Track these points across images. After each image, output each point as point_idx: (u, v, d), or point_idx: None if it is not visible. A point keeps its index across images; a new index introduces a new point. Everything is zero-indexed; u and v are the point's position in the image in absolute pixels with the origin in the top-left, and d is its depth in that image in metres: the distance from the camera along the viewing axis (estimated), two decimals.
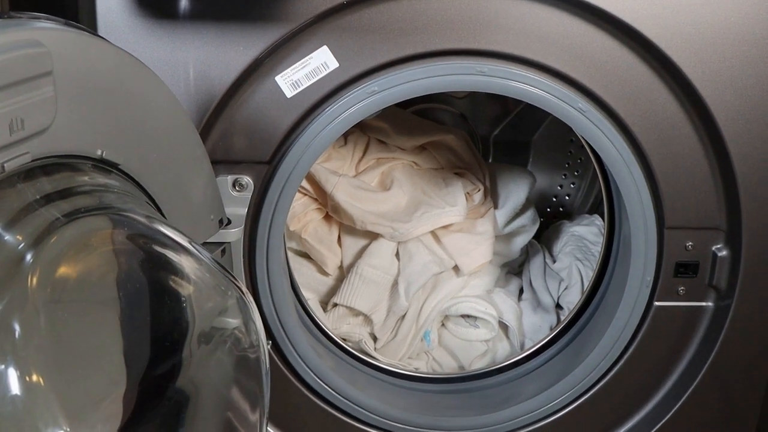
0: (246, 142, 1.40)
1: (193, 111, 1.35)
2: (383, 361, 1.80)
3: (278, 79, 1.37)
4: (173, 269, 1.01)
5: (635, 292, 1.52)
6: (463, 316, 1.94)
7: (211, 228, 1.32)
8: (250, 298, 1.08)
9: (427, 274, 1.86)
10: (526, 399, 1.64)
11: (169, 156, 1.17)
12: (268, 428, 1.58)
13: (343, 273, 1.91)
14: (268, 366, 1.10)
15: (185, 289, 1.02)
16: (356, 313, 1.86)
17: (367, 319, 1.86)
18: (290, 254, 1.84)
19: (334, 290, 1.89)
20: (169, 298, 1.01)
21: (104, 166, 1.02)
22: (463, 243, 1.92)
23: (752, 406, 1.62)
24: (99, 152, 0.99)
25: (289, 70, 1.36)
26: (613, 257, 1.67)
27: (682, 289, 1.53)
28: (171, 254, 1.01)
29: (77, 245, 0.90)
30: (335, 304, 1.86)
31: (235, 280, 1.07)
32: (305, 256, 1.93)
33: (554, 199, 2.32)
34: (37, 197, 0.89)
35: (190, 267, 1.02)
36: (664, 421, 1.61)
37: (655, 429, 1.62)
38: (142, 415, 0.94)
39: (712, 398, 1.60)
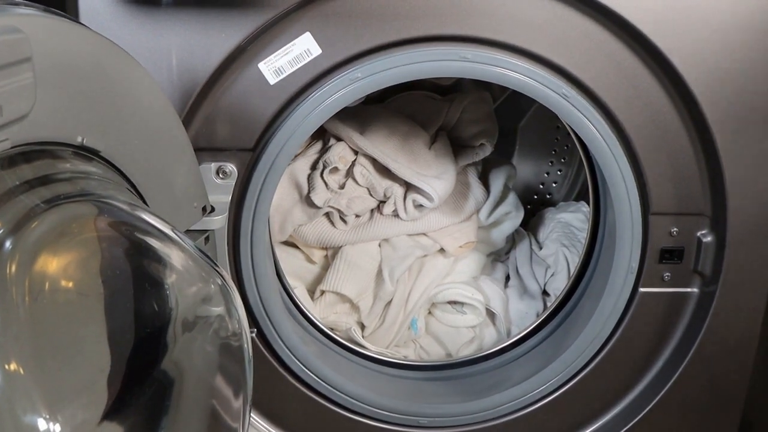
0: (229, 130, 1.39)
1: (175, 98, 1.35)
2: (371, 349, 1.80)
3: (261, 65, 1.36)
4: (156, 257, 1.00)
5: (620, 278, 1.52)
6: (450, 302, 1.94)
7: (195, 215, 1.31)
8: (232, 285, 1.08)
9: (411, 257, 1.87)
10: (513, 385, 1.64)
11: (151, 143, 1.16)
12: (254, 416, 1.60)
13: (329, 261, 1.91)
14: (250, 354, 1.10)
15: (168, 277, 1.01)
16: (344, 300, 1.86)
17: (354, 307, 1.86)
18: (276, 242, 1.84)
19: (320, 278, 1.89)
20: (152, 286, 1.00)
21: (85, 153, 1.01)
22: (444, 225, 1.94)
23: (738, 390, 1.63)
24: (79, 139, 0.98)
25: (272, 56, 1.36)
26: (599, 244, 1.67)
27: (667, 275, 1.53)
28: (153, 242, 1.00)
29: (57, 232, 0.90)
30: (322, 292, 1.85)
31: (218, 267, 1.07)
32: (292, 244, 1.93)
33: (541, 187, 2.32)
34: (17, 184, 0.88)
35: (172, 254, 1.01)
36: (650, 406, 1.62)
37: (641, 414, 1.63)
38: (126, 402, 0.94)
39: (697, 383, 1.60)
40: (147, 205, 1.14)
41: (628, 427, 1.64)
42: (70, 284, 0.91)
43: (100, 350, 0.92)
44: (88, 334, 0.92)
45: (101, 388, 0.91)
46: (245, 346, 1.09)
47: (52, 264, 0.88)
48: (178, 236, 1.03)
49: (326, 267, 1.90)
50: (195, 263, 1.04)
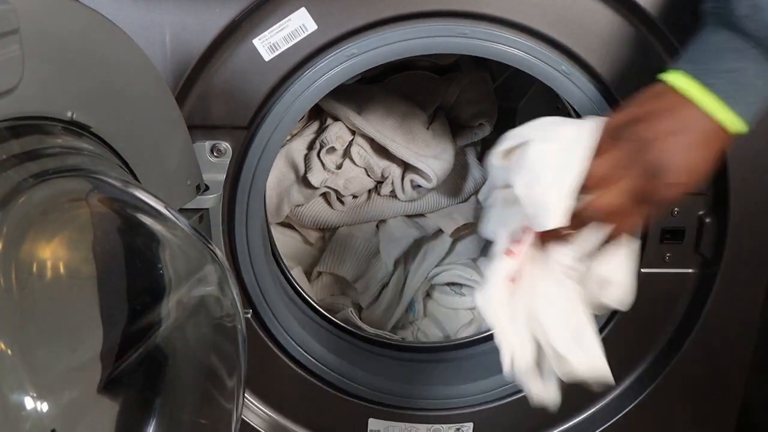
0: (224, 107, 1.37)
1: (169, 75, 1.33)
2: (369, 330, 1.79)
3: (256, 41, 1.34)
4: (149, 234, 0.99)
5: None
6: (448, 284, 1.93)
7: (188, 194, 1.29)
8: (227, 265, 1.07)
9: (408, 238, 1.85)
10: None
11: (144, 119, 1.14)
12: (249, 397, 1.59)
13: (326, 243, 1.89)
14: (244, 334, 1.09)
15: (161, 255, 1.00)
16: (341, 281, 1.84)
17: (352, 288, 1.85)
18: (272, 223, 1.82)
19: (317, 260, 1.88)
20: (145, 264, 0.99)
21: (75, 128, 0.99)
22: (442, 206, 1.93)
23: (738, 374, 1.61)
24: (69, 114, 0.96)
25: (266, 32, 1.33)
26: None
27: (668, 256, 1.51)
28: (146, 219, 0.99)
29: (47, 207, 0.88)
30: (319, 273, 1.84)
31: (212, 246, 1.05)
32: (288, 225, 1.92)
33: None
34: (5, 158, 0.86)
35: (166, 233, 1.00)
36: (649, 389, 1.60)
37: (641, 397, 1.61)
38: (118, 381, 0.93)
39: (697, 366, 1.59)
40: (139, 182, 1.12)
41: (627, 410, 1.63)
42: (61, 262, 0.90)
43: (91, 329, 0.91)
44: (78, 312, 0.91)
45: (92, 367, 0.90)
46: (239, 326, 1.08)
47: (41, 241, 0.87)
48: (171, 214, 1.01)
49: (323, 248, 1.89)
50: (189, 242, 1.03)
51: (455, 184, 1.93)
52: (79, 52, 0.98)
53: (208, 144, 1.39)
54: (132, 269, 0.97)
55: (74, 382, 0.87)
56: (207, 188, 1.36)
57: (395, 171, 1.84)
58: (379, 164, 1.82)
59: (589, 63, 1.37)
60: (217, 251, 1.06)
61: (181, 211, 1.29)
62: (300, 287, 1.72)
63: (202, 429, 1.07)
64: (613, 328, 1.57)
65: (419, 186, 1.83)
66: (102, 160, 1.02)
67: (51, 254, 0.89)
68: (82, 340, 0.90)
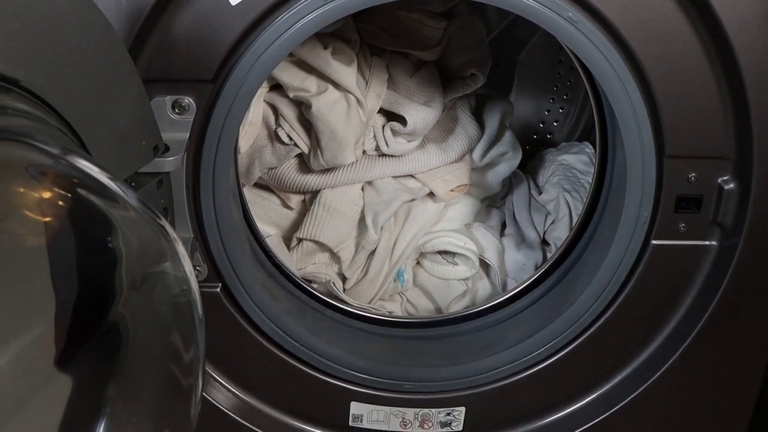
0: (186, 58, 1.26)
1: (122, 21, 1.21)
2: (353, 304, 1.70)
3: None
4: (92, 210, 0.89)
5: (630, 228, 1.41)
6: (440, 252, 1.83)
7: (145, 156, 1.18)
8: (176, 238, 0.97)
9: (396, 202, 1.75)
10: (509, 347, 1.55)
11: (87, 72, 1.02)
12: (220, 379, 1.54)
13: (307, 207, 1.79)
14: (201, 313, 1.00)
15: (108, 232, 0.91)
16: (323, 249, 1.75)
17: (335, 257, 1.75)
18: (249, 185, 1.73)
19: (298, 225, 1.77)
20: (91, 243, 0.91)
21: (1, 83, 0.88)
22: (433, 165, 1.81)
23: (758, 354, 1.53)
24: None
25: None
26: (606, 189, 1.56)
27: (683, 226, 1.42)
28: (87, 194, 0.89)
29: None
30: (299, 240, 1.74)
31: (161, 221, 0.95)
32: (266, 187, 1.81)
33: (541, 125, 2.21)
34: None
35: (111, 206, 0.90)
36: (660, 372, 1.52)
37: (650, 380, 1.54)
38: (70, 361, 0.86)
39: (714, 347, 1.50)
40: (85, 145, 1.02)
41: (635, 393, 1.55)
42: None
43: (37, 307, 0.84)
44: (23, 290, 0.83)
45: (42, 350, 0.83)
46: (193, 301, 0.99)
47: None
48: (117, 186, 0.91)
49: (304, 213, 1.79)
50: (137, 215, 0.93)
51: (447, 141, 1.82)
52: None
53: (168, 99, 1.29)
54: (80, 249, 0.90)
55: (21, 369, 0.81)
56: (167, 149, 1.25)
57: (377, 120, 1.73)
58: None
59: (597, 8, 1.25)
60: (167, 225, 0.96)
61: (138, 175, 1.20)
62: (276, 256, 1.62)
63: (159, 414, 0.99)
64: (621, 304, 1.48)
65: (402, 136, 1.73)
66: (35, 120, 0.91)
67: None
68: (30, 320, 0.83)
